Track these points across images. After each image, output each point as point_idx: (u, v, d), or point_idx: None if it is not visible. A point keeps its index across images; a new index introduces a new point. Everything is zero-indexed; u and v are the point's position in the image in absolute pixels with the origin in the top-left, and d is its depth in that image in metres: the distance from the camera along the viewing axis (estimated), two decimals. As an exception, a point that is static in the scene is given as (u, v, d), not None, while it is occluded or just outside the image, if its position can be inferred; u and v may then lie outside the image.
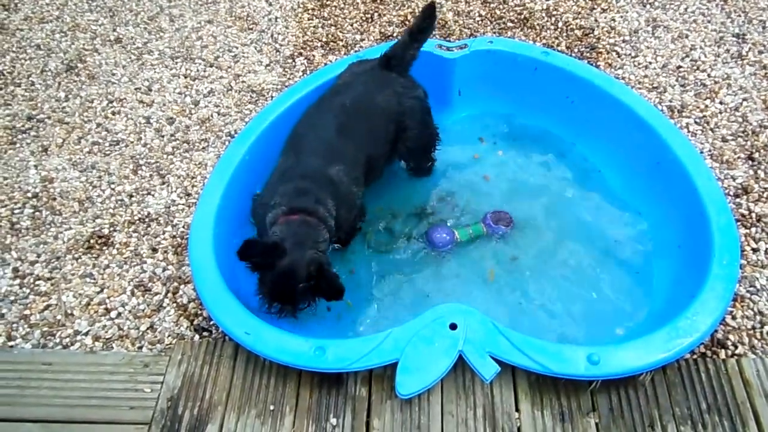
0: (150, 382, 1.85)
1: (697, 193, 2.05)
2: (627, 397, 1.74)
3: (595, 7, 3.27)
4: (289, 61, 3.14)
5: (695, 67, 2.90)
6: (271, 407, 1.77)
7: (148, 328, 2.10)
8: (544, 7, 3.32)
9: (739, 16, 3.13)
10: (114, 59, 3.18)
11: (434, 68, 2.57)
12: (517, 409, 1.74)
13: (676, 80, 2.85)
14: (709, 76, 2.85)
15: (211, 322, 2.09)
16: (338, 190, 2.00)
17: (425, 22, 2.16)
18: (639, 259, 2.25)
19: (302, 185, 1.95)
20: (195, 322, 2.10)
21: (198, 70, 3.10)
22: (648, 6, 3.25)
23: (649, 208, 2.33)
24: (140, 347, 2.04)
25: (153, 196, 2.56)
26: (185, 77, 3.07)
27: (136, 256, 2.35)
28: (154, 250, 2.36)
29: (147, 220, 2.47)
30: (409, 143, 2.30)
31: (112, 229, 2.43)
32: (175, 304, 2.18)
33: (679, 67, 2.91)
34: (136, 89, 3.02)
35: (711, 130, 2.61)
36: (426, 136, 2.38)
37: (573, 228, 2.38)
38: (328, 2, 3.45)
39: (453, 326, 1.76)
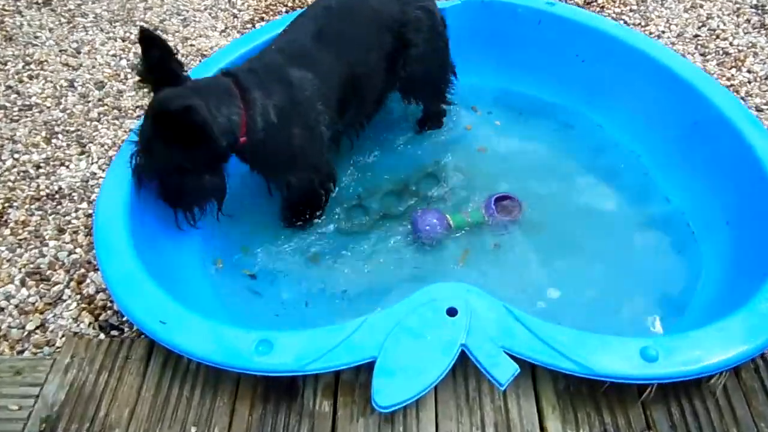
0: (19, 396, 1.30)
1: (752, 153, 1.62)
2: (693, 410, 1.26)
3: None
4: (248, 26, 2.69)
5: (714, 36, 2.54)
6: (193, 429, 1.24)
7: (37, 327, 1.56)
8: (540, -24, 2.94)
9: (756, -13, 2.80)
10: (39, 21, 2.68)
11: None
12: (542, 429, 1.24)
13: (695, 48, 2.48)
14: (731, 44, 2.48)
15: (125, 318, 1.55)
16: (294, 96, 1.54)
17: None
18: (674, 243, 1.80)
19: (256, 66, 1.55)
20: (102, 317, 1.56)
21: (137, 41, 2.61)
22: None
23: (684, 181, 1.89)
24: (21, 351, 1.49)
25: (67, 167, 2.03)
26: (123, 40, 2.59)
27: (36, 237, 1.81)
28: (61, 231, 1.83)
29: (57, 196, 1.94)
30: (411, 67, 1.83)
31: (7, 205, 1.90)
32: (78, 296, 1.64)
33: (696, 36, 2.55)
34: (61, 51, 2.51)
35: (742, 99, 2.22)
36: (435, 61, 1.90)
37: (589, 209, 1.92)
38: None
39: (452, 312, 1.27)
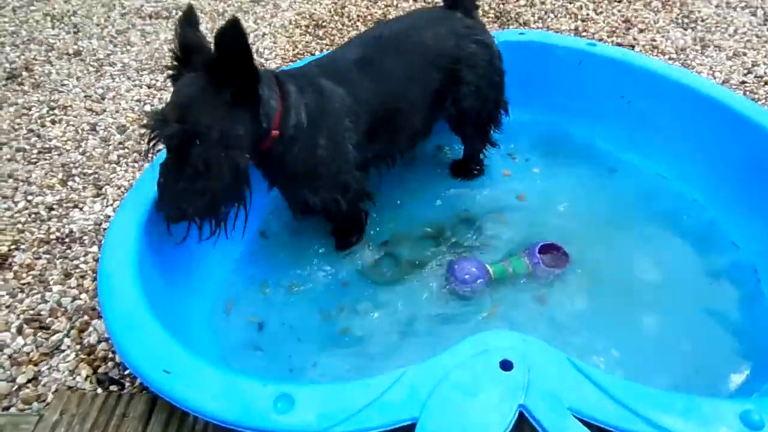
0: (-5, 460, 1.11)
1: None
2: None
3: (631, 27, 2.84)
4: (276, 74, 2.64)
5: (763, 82, 2.41)
6: (196, 505, 1.03)
7: (29, 380, 1.39)
8: (572, 27, 2.88)
9: (801, 36, 2.70)
10: (68, 70, 2.67)
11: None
12: None
13: (744, 94, 2.34)
14: (782, 88, 2.35)
15: (127, 371, 1.38)
16: (323, 105, 1.43)
17: None
18: (743, 297, 1.59)
19: (289, 71, 1.47)
20: (101, 369, 1.39)
21: (166, 81, 2.58)
22: (689, 29, 2.82)
23: (750, 227, 1.70)
24: (7, 408, 1.31)
25: (81, 210, 1.92)
26: (149, 87, 2.55)
27: (41, 282, 1.67)
28: (68, 275, 1.69)
29: (67, 240, 1.82)
30: (463, 103, 1.71)
31: (14, 247, 1.77)
32: (78, 346, 1.47)
33: (743, 82, 2.42)
34: (86, 96, 2.48)
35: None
36: (490, 99, 1.78)
37: (645, 257, 1.73)
38: (325, 24, 3.02)
39: (506, 365, 1.07)
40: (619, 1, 3.05)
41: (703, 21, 2.85)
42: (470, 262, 1.67)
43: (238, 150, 1.26)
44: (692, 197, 1.87)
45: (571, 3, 3.06)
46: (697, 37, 2.74)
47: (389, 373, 1.06)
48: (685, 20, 2.87)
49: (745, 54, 2.59)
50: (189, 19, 1.28)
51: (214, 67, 1.18)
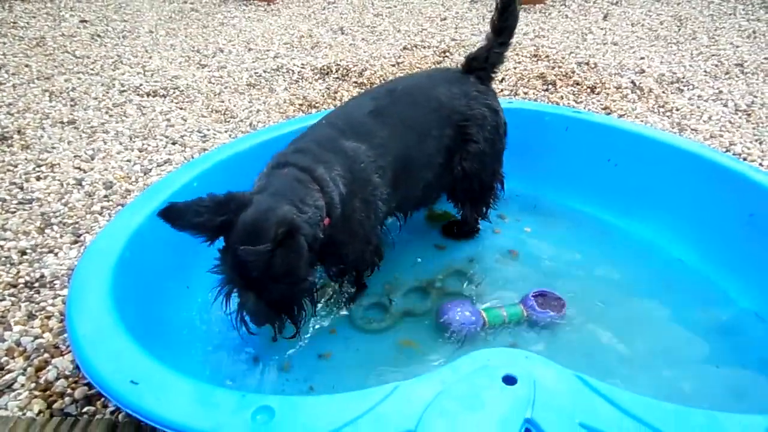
0: None
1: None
2: None
3: (611, 113, 2.98)
4: (268, 144, 2.68)
5: (742, 158, 2.49)
6: None
7: (-28, 417, 1.23)
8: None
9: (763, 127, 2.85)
10: (60, 136, 2.68)
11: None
12: None
13: (725, 169, 2.41)
14: (761, 164, 2.43)
15: (86, 409, 1.23)
16: (353, 166, 1.44)
17: (504, 15, 1.70)
18: (744, 349, 1.52)
19: (304, 145, 1.44)
20: (57, 404, 1.24)
21: (157, 145, 2.60)
22: (666, 117, 2.97)
23: (745, 280, 1.67)
24: (-58, 442, 1.15)
25: (56, 255, 1.84)
26: (140, 151, 2.56)
27: (0, 323, 1.54)
28: (31, 317, 1.57)
29: (36, 284, 1.71)
30: (468, 163, 1.73)
31: (-23, 289, 1.66)
32: (33, 384, 1.33)
33: (723, 159, 2.50)
34: (75, 157, 2.47)
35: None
36: (492, 162, 1.81)
37: (640, 316, 1.67)
38: (317, 105, 3.14)
39: (509, 380, 0.97)
40: (597, 93, 3.22)
41: (678, 110, 3.00)
42: (464, 306, 1.59)
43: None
44: (680, 254, 1.85)
45: (552, 93, 3.23)
46: (674, 122, 2.87)
47: (382, 386, 0.95)
48: (661, 109, 3.03)
49: (721, 135, 2.70)
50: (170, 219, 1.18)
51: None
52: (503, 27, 1.71)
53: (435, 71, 1.97)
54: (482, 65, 1.75)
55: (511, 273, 1.83)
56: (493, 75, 1.81)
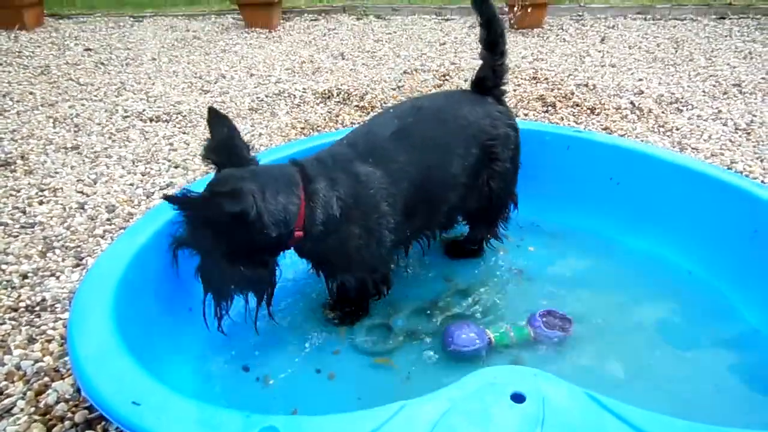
0: None
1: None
2: None
3: (612, 132, 2.99)
4: (270, 167, 2.69)
5: (745, 175, 2.49)
6: None
7: (-31, 443, 1.21)
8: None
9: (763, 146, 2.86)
10: (63, 161, 2.70)
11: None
12: None
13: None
14: (763, 181, 2.43)
15: (86, 433, 1.21)
16: (358, 193, 1.43)
17: (491, 27, 1.71)
18: (753, 366, 1.49)
19: (322, 156, 1.49)
20: (56, 429, 1.22)
21: (160, 169, 2.61)
22: (666, 136, 2.98)
23: (752, 295, 1.65)
24: (-61, 468, 1.13)
25: (57, 278, 1.82)
26: (143, 174, 2.56)
27: (0, 347, 1.53)
28: (32, 341, 1.55)
29: (37, 308, 1.70)
30: (495, 182, 1.73)
31: (-23, 313, 1.65)
32: (33, 408, 1.31)
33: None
34: (78, 181, 2.48)
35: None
36: (510, 183, 1.82)
37: (647, 331, 1.65)
38: (320, 128, 3.16)
39: (518, 398, 0.95)
40: (597, 114, 3.24)
41: (678, 129, 3.02)
42: (469, 327, 1.57)
43: (247, 260, 1.34)
44: (687, 270, 1.83)
45: (551, 114, 3.25)
46: (674, 141, 2.88)
47: (388, 405, 0.93)
48: (661, 129, 3.04)
49: (722, 154, 2.71)
50: (215, 120, 1.40)
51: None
52: (494, 40, 1.72)
53: (453, 92, 1.97)
54: (495, 82, 1.75)
55: (516, 292, 1.81)
56: (505, 92, 1.82)
